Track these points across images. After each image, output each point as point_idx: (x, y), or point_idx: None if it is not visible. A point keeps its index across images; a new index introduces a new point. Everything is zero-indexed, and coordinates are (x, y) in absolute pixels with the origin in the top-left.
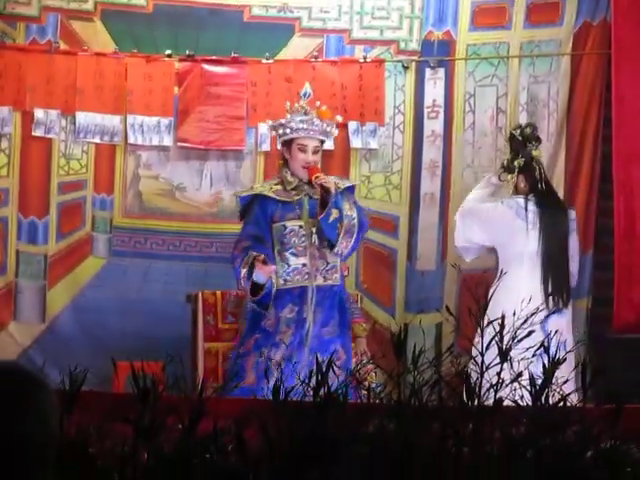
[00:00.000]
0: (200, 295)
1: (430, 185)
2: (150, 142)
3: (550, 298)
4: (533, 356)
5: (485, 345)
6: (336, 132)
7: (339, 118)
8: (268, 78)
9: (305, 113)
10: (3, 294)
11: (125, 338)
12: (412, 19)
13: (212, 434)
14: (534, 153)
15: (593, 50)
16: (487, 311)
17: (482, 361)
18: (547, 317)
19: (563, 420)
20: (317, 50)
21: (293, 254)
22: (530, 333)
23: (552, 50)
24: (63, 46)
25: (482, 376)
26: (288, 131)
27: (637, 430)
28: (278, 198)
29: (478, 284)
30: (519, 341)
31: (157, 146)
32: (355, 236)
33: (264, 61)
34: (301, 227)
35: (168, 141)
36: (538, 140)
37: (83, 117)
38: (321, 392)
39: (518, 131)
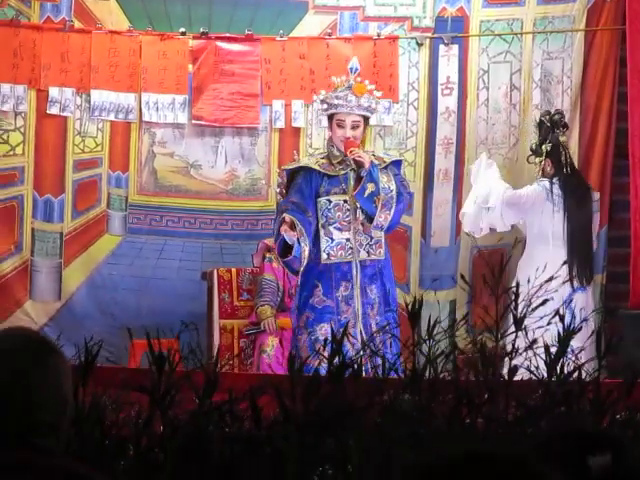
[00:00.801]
0: (215, 272)
1: (444, 162)
2: (165, 120)
3: (575, 276)
4: (548, 324)
5: (500, 315)
6: (377, 107)
7: (377, 93)
8: (282, 55)
9: (348, 88)
10: (19, 272)
11: (141, 315)
12: None
13: (227, 403)
14: (561, 139)
15: (607, 26)
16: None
17: (497, 329)
18: (572, 294)
19: (578, 390)
20: (331, 27)
21: (337, 229)
22: (545, 301)
23: (566, 26)
24: (77, 24)
25: (497, 344)
26: (325, 107)
27: None
28: (324, 171)
29: (492, 256)
30: (534, 310)
31: (172, 124)
32: (394, 208)
33: (278, 38)
34: (345, 202)
35: (183, 119)
36: (565, 126)
37: (98, 95)
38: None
39: (547, 117)
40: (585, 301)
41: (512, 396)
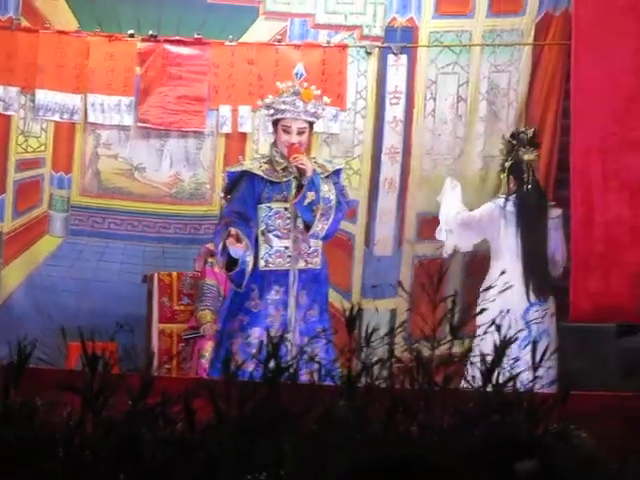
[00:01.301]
0: (156, 276)
1: (390, 171)
2: (110, 121)
3: (531, 290)
4: (484, 334)
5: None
6: (323, 113)
7: (326, 100)
8: (231, 60)
9: (294, 93)
10: None
11: (80, 318)
12: (376, 5)
13: (160, 405)
14: (525, 157)
15: (554, 41)
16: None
17: (433, 338)
18: (529, 308)
19: (513, 400)
20: (281, 34)
21: (277, 236)
22: (482, 311)
23: (514, 39)
24: (25, 23)
25: (434, 352)
26: (272, 112)
27: (583, 414)
28: (266, 177)
29: (432, 265)
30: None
31: (117, 125)
32: (332, 218)
33: (227, 43)
34: (286, 209)
35: (128, 121)
36: (532, 144)
37: (43, 95)
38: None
39: (514, 134)
40: (542, 315)
41: (448, 404)
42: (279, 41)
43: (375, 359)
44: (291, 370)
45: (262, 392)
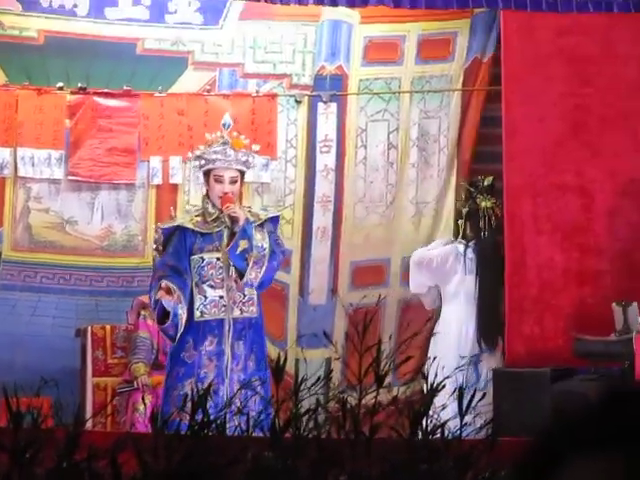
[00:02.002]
0: (89, 329)
1: (322, 219)
2: (41, 175)
3: (482, 340)
4: (412, 381)
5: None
6: (254, 162)
7: (255, 147)
8: (161, 111)
9: (224, 144)
10: None
11: (14, 372)
12: (305, 53)
13: (86, 460)
14: (482, 204)
15: (483, 86)
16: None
17: (360, 387)
18: (479, 354)
19: (441, 447)
20: (210, 83)
21: (210, 286)
22: (408, 359)
23: (443, 86)
24: None
25: (360, 402)
26: (203, 162)
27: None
28: (197, 229)
29: (366, 313)
30: (396, 368)
31: (48, 179)
32: (266, 266)
33: (156, 94)
34: (218, 259)
35: (59, 174)
36: (490, 192)
37: None
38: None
39: (472, 182)
40: (492, 362)
41: (375, 453)
42: (208, 91)
43: (303, 409)
44: (218, 422)
45: (188, 444)
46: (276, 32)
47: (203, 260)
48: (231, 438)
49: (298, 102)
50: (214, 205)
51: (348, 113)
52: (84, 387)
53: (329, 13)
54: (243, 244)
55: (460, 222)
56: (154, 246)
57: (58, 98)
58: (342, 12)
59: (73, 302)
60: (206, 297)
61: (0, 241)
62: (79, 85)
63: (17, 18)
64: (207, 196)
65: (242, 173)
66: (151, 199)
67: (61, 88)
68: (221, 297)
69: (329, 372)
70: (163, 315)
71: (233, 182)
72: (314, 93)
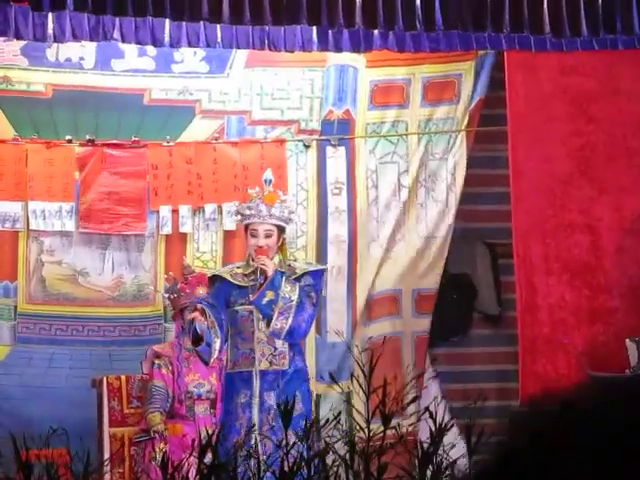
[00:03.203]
0: (105, 380)
1: (337, 258)
2: (52, 228)
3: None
4: (418, 421)
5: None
6: (289, 214)
7: (283, 197)
8: (169, 161)
9: (258, 199)
10: None
11: (32, 425)
12: (312, 99)
13: None
14: None
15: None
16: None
17: (368, 428)
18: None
19: None
20: (218, 131)
21: (242, 339)
22: (415, 399)
23: (449, 127)
24: None
25: (368, 442)
26: (240, 217)
27: None
28: (233, 281)
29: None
30: (404, 408)
31: (59, 231)
32: (292, 317)
33: (165, 144)
34: (251, 312)
35: (70, 226)
36: None
37: None
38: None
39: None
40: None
41: None
42: (217, 139)
43: (312, 452)
44: (230, 469)
45: None
46: (282, 78)
47: (237, 313)
48: None
49: (307, 147)
50: (252, 259)
51: (357, 156)
52: (101, 437)
53: (335, 58)
54: (270, 295)
55: None
56: (166, 295)
57: (67, 150)
58: (348, 57)
59: (87, 353)
60: (238, 349)
61: (15, 295)
62: (87, 137)
63: (24, 73)
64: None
65: (280, 227)
66: (160, 249)
67: (70, 141)
68: (251, 349)
69: (338, 414)
70: (195, 337)
71: (268, 236)
72: (322, 137)
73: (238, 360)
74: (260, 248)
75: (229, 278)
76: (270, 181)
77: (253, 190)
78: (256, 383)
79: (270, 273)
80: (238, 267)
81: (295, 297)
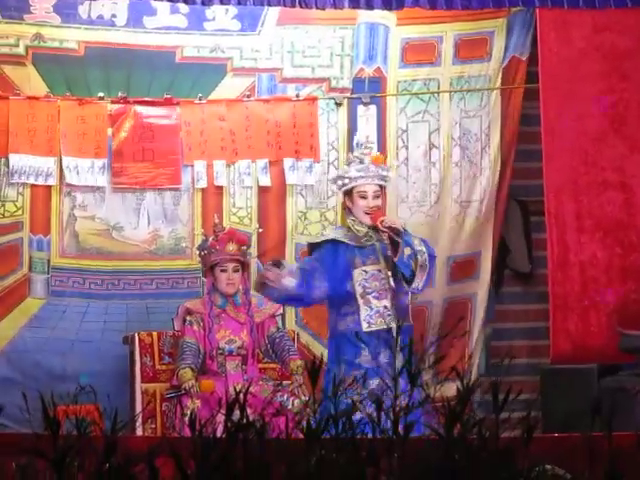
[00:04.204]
0: (136, 336)
1: None
2: (85, 182)
3: None
4: (445, 380)
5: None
6: (391, 175)
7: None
8: (201, 118)
9: (361, 162)
10: None
11: (64, 379)
12: (342, 57)
13: (124, 465)
14: None
15: (522, 84)
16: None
17: (395, 385)
18: None
19: (479, 444)
20: (249, 89)
21: (376, 297)
22: (442, 358)
23: (482, 85)
24: None
25: (395, 400)
26: (347, 181)
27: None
28: (354, 244)
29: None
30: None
31: (92, 187)
32: (428, 269)
33: (196, 101)
34: (380, 271)
35: (102, 182)
36: None
37: (17, 159)
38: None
39: None
40: None
41: (410, 453)
42: (248, 96)
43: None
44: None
45: (226, 449)
46: (313, 36)
47: (366, 272)
48: (269, 440)
49: (338, 105)
50: (360, 222)
51: (388, 115)
52: (133, 393)
53: (365, 16)
54: (407, 251)
55: None
56: (197, 252)
57: (99, 108)
58: (378, 15)
59: (123, 306)
60: (372, 308)
61: (48, 249)
62: (120, 94)
63: (56, 30)
64: (350, 213)
65: (382, 187)
66: (197, 202)
67: (102, 98)
68: (385, 307)
69: (364, 373)
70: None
71: (376, 197)
72: (353, 95)
73: (372, 318)
74: (375, 209)
75: (347, 241)
76: (362, 144)
77: (351, 155)
78: (396, 339)
79: (402, 230)
80: (345, 231)
81: (425, 249)
